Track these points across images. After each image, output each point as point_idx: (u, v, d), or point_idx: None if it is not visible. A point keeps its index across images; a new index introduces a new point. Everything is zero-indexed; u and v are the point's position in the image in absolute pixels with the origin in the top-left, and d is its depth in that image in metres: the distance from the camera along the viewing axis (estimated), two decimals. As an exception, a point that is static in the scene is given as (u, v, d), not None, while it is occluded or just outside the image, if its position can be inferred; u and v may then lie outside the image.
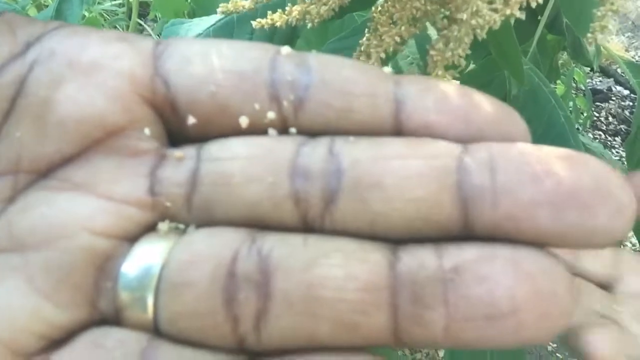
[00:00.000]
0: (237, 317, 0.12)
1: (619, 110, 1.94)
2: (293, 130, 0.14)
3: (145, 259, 0.13)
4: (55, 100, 0.14)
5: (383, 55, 0.27)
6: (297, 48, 0.40)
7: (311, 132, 0.14)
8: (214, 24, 0.38)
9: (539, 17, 0.47)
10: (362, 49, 0.28)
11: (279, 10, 0.29)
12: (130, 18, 1.18)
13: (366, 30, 0.28)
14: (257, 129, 0.14)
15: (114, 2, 1.55)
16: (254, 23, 0.28)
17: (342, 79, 0.14)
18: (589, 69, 1.94)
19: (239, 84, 0.14)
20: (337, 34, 0.41)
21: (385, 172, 0.13)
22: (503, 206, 0.12)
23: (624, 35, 2.18)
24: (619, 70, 2.06)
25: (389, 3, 0.27)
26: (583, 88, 1.64)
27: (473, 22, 0.21)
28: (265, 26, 0.28)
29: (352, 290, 0.12)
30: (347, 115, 0.14)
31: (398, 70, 0.43)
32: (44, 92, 0.14)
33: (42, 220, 0.14)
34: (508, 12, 0.21)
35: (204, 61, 0.14)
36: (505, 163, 0.12)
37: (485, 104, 0.14)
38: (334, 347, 0.12)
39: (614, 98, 1.97)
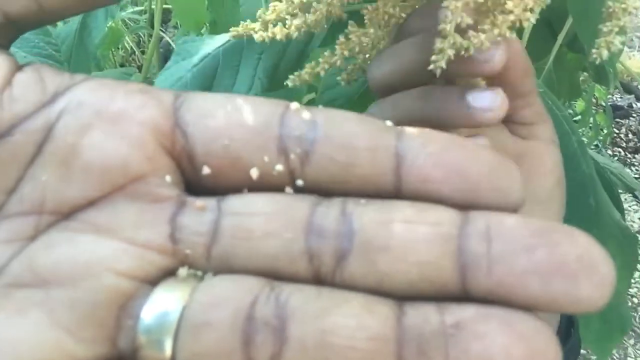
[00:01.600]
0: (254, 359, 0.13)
1: (640, 127, 1.91)
2: (300, 182, 0.15)
3: (163, 304, 0.14)
4: (81, 146, 0.15)
5: (347, 53, 0.27)
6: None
7: (317, 184, 0.15)
8: (224, 44, 0.39)
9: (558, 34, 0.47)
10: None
11: (279, 24, 0.29)
12: (152, 26, 1.19)
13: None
14: (266, 181, 0.15)
15: (135, 10, 1.57)
16: (255, 36, 0.28)
17: (345, 134, 0.15)
18: (610, 85, 1.92)
19: (251, 137, 0.15)
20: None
21: (393, 235, 0.14)
22: (497, 273, 0.13)
23: (646, 52, 2.15)
24: (639, 87, 2.04)
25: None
26: (604, 104, 1.62)
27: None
28: (266, 40, 0.28)
29: (362, 339, 0.13)
30: (350, 169, 0.15)
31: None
32: (71, 139, 0.15)
33: (66, 259, 0.14)
34: (496, 32, 0.21)
35: (220, 115, 0.15)
36: (500, 233, 0.13)
37: (482, 157, 0.14)
38: None
39: (634, 115, 1.95)
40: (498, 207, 0.14)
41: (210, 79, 0.37)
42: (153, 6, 1.20)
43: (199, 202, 0.15)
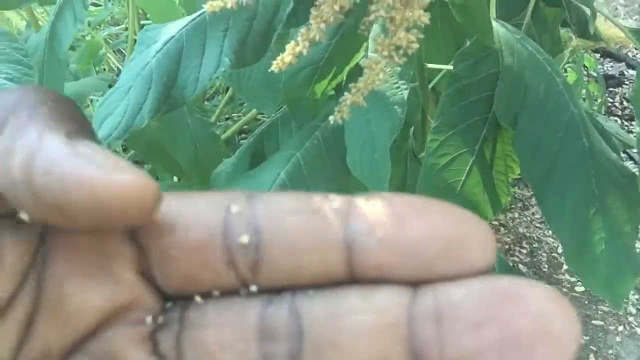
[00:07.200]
0: None
1: (633, 94, 1.89)
2: (254, 288, 0.15)
3: None
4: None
5: (323, 26, 0.26)
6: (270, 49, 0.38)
7: (269, 285, 0.15)
8: (186, 25, 0.37)
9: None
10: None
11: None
12: (133, 42, 1.18)
13: None
14: (219, 288, 0.15)
15: (118, 27, 1.56)
16: (205, 6, 0.26)
17: (289, 236, 0.15)
18: (599, 54, 1.91)
19: (199, 252, 0.15)
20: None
21: (340, 330, 0.14)
22: (449, 356, 0.13)
23: (631, 18, 2.15)
24: (629, 54, 2.02)
25: None
26: (594, 74, 1.61)
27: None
28: (217, 9, 0.26)
29: None
30: (300, 272, 0.15)
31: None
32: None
33: None
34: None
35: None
36: (449, 310, 0.13)
37: (437, 230, 0.14)
38: None
39: (627, 82, 1.93)
40: (458, 276, 0.14)
41: (176, 61, 0.36)
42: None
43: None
